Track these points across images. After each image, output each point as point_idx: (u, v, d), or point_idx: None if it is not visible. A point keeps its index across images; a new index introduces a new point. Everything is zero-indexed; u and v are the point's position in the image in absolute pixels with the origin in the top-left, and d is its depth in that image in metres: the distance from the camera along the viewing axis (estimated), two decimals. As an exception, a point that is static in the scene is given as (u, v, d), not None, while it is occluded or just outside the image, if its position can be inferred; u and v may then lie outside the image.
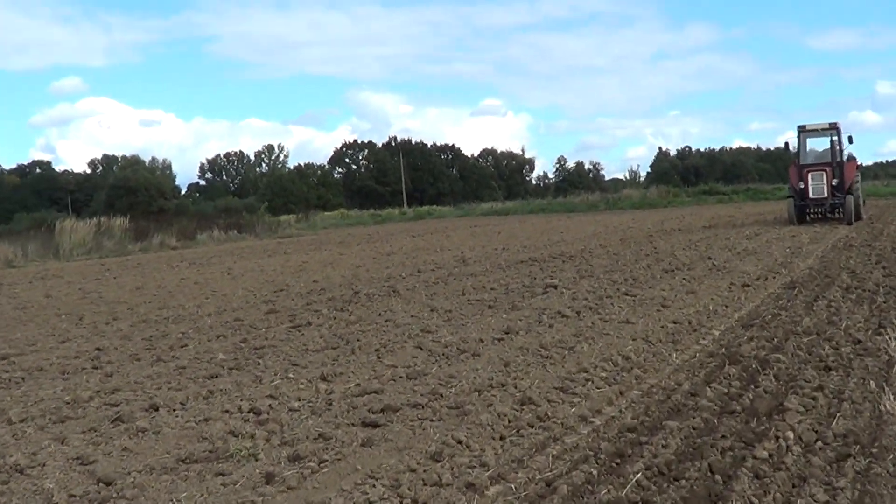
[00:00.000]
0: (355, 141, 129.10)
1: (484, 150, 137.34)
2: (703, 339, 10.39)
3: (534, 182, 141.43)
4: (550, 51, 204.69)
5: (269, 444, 6.61)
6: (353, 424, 7.08)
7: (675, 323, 11.32)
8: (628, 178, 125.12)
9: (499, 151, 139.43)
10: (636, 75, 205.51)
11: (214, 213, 67.47)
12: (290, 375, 9.18)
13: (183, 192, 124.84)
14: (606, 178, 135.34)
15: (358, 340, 11.24)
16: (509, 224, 49.19)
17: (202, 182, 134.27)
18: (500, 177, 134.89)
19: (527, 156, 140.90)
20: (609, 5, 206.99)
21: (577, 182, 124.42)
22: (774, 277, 15.76)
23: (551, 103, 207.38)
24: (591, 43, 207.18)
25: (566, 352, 9.71)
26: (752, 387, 7.50)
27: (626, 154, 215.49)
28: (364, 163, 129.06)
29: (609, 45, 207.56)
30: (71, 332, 14.46)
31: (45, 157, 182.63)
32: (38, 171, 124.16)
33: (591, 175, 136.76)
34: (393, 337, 11.40)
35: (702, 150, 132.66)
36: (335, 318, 13.62)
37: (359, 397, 7.99)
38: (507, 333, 11.13)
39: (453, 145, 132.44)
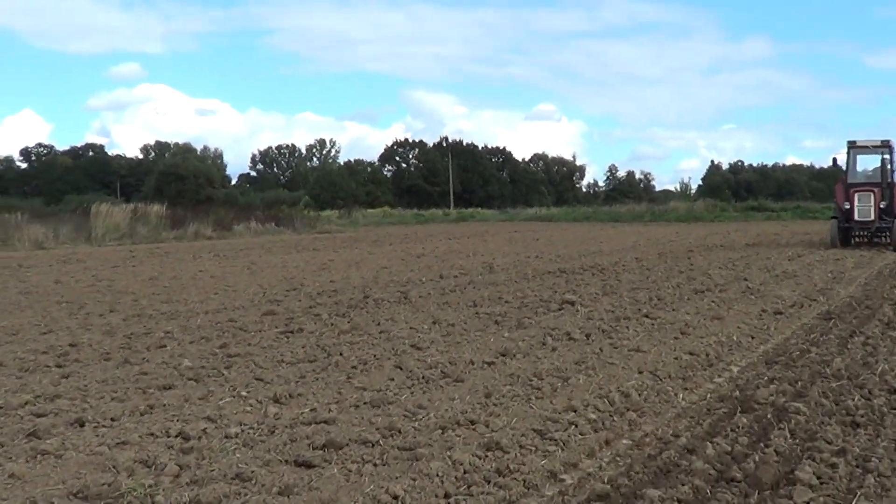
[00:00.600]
0: (406, 139, 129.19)
1: (535, 154, 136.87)
2: (719, 376, 9.23)
3: (584, 189, 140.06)
4: (606, 58, 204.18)
5: (174, 484, 5.58)
6: (284, 462, 6.05)
7: (690, 355, 10.15)
8: (679, 189, 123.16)
9: (550, 157, 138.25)
10: (691, 87, 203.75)
11: (254, 205, 66.63)
12: (244, 393, 8.17)
13: (233, 183, 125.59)
14: (657, 188, 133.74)
15: (340, 354, 10.24)
16: (551, 231, 48.06)
17: (253, 173, 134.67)
18: (550, 182, 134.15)
19: (578, 163, 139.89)
20: (667, 15, 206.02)
21: (628, 191, 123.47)
22: (811, 305, 14.53)
23: (605, 111, 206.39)
24: (648, 52, 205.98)
25: (560, 383, 8.61)
26: (762, 445, 6.35)
27: (678, 166, 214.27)
28: (414, 162, 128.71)
29: (665, 56, 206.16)
30: (60, 322, 13.69)
31: (100, 140, 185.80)
32: (91, 153, 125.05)
33: (641, 185, 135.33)
34: (378, 352, 10.38)
35: (754, 165, 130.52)
36: (331, 326, 12.66)
37: (306, 426, 6.95)
38: (502, 356, 10.06)
39: (504, 148, 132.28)
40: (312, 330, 12.37)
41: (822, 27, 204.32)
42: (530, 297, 15.76)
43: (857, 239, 28.21)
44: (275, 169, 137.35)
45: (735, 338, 11.47)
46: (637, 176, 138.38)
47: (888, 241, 27.18)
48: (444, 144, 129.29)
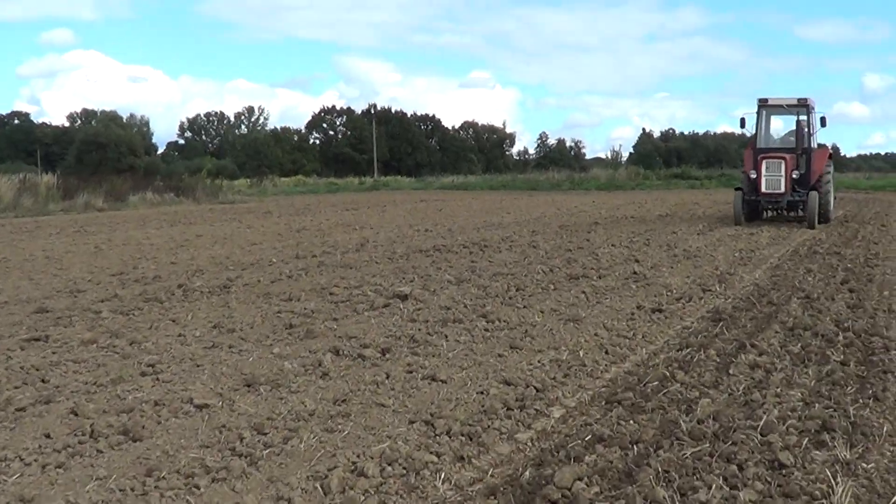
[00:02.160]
0: (333, 107, 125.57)
1: (465, 122, 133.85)
2: (524, 430, 6.15)
3: (515, 157, 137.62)
4: (541, 26, 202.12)
5: None
6: None
7: (506, 385, 7.23)
8: (610, 157, 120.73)
9: (480, 125, 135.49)
10: (626, 55, 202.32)
11: (154, 173, 62.75)
12: None
13: (160, 151, 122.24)
14: (589, 156, 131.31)
15: (41, 381, 6.92)
16: (460, 200, 44.87)
17: (181, 141, 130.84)
18: (480, 150, 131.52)
19: (508, 130, 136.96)
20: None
21: (558, 159, 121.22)
22: (701, 298, 11.54)
23: (540, 79, 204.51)
24: (583, 20, 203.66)
25: (267, 453, 5.47)
26: None
27: (611, 134, 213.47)
28: (342, 129, 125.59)
29: (600, 24, 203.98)
30: None
31: (29, 108, 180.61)
32: (16, 121, 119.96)
33: (572, 153, 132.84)
34: (86, 380, 7.20)
35: (686, 133, 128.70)
36: (91, 329, 9.48)
37: None
38: (239, 388, 6.85)
39: (433, 116, 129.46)
40: (58, 337, 9.17)
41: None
42: (365, 287, 12.60)
43: (767, 214, 25.14)
44: (203, 137, 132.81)
45: (582, 354, 8.31)
46: (568, 143, 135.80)
47: (801, 215, 23.92)
48: (373, 112, 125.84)
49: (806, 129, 23.65)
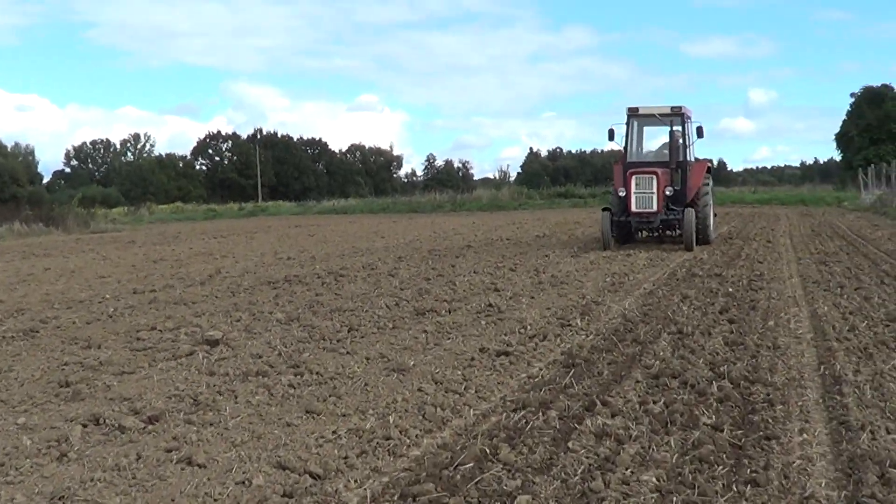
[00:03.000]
0: (219, 132, 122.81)
1: (352, 145, 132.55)
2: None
3: (404, 179, 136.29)
4: (429, 48, 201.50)
5: None
6: None
7: (276, 472, 5.60)
8: (498, 177, 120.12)
9: (367, 147, 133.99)
10: (513, 76, 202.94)
11: (23, 202, 59.33)
12: None
13: (46, 180, 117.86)
14: (477, 177, 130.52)
15: None
16: (337, 225, 42.91)
17: (67, 170, 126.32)
18: (368, 173, 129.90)
19: (396, 152, 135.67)
20: (488, 5, 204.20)
21: (446, 180, 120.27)
22: (557, 336, 9.81)
23: (428, 101, 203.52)
24: (470, 42, 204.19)
25: None
26: None
27: (500, 154, 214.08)
28: (228, 155, 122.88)
29: (487, 45, 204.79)
30: None
31: None
32: None
33: (460, 174, 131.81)
34: None
35: (573, 151, 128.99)
36: None
37: None
38: None
39: (320, 139, 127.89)
40: None
41: (642, 16, 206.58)
42: (183, 329, 11.20)
43: (640, 235, 22.93)
44: (90, 165, 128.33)
45: (392, 420, 6.57)
46: (456, 164, 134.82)
47: (678, 235, 21.39)
48: (259, 136, 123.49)
49: (681, 141, 21.52)
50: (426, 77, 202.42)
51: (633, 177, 20.69)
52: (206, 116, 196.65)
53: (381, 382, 7.78)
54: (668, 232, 21.98)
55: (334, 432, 6.27)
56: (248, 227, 45.57)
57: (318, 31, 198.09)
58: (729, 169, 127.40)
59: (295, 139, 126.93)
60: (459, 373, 8.14)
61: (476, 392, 7.43)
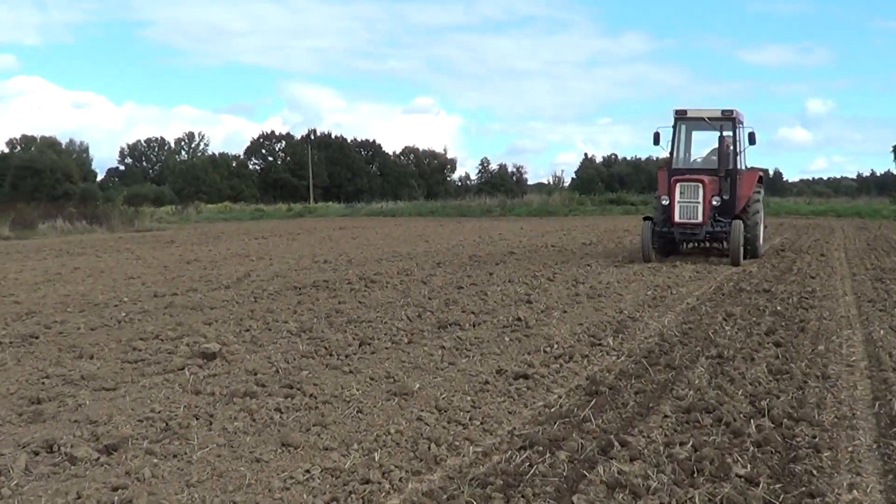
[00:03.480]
0: (272, 132, 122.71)
1: (406, 147, 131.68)
2: None
3: (457, 183, 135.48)
4: (484, 52, 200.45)
5: None
6: None
7: None
8: (552, 182, 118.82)
9: (421, 150, 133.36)
10: (569, 81, 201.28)
11: (61, 201, 59.43)
12: None
13: (100, 177, 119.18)
14: (531, 181, 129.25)
15: None
16: (382, 228, 42.09)
17: (122, 167, 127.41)
18: (421, 175, 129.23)
19: (450, 155, 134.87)
20: (543, 9, 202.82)
21: (500, 184, 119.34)
22: (585, 357, 8.92)
23: (483, 105, 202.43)
24: (525, 46, 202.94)
25: None
26: None
27: (555, 159, 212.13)
28: (281, 155, 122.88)
29: (542, 50, 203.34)
30: None
31: None
32: None
33: (514, 178, 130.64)
34: None
35: (628, 158, 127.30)
36: None
37: None
38: None
39: (374, 141, 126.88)
40: None
41: (697, 22, 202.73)
42: (185, 339, 10.48)
43: (685, 247, 21.49)
44: (143, 163, 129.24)
45: (378, 457, 5.67)
46: (510, 169, 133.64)
47: (725, 248, 19.80)
48: (313, 137, 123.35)
49: (731, 147, 19.84)
50: (481, 81, 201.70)
51: (678, 184, 18.97)
52: (261, 117, 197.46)
53: (377, 409, 6.96)
54: (714, 244, 20.59)
55: (307, 472, 5.46)
56: (292, 228, 45.00)
57: (372, 32, 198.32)
58: (785, 179, 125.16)
59: (349, 140, 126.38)
60: (469, 399, 7.28)
61: (482, 423, 6.57)
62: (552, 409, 6.91)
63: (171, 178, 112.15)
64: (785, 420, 6.29)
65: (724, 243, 19.62)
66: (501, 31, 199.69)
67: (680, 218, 19.01)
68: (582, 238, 29.71)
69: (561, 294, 13.95)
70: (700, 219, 18.85)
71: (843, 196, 72.28)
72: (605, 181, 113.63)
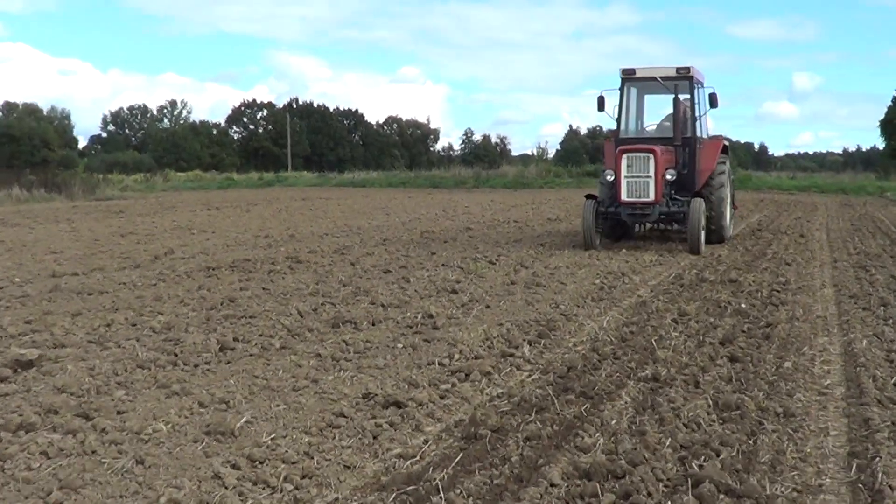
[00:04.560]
0: (254, 101, 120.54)
1: (389, 117, 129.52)
2: None
3: (441, 153, 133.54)
4: (471, 22, 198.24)
5: None
6: None
7: None
8: (536, 154, 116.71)
9: (404, 120, 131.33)
10: (556, 52, 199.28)
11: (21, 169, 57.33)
12: None
13: (82, 145, 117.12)
14: (516, 153, 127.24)
15: None
16: (346, 199, 40.15)
17: (104, 134, 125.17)
18: (404, 145, 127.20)
19: (433, 126, 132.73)
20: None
21: (483, 155, 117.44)
22: (487, 376, 7.11)
23: (470, 75, 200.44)
24: (512, 17, 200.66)
25: None
26: None
27: (541, 130, 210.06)
28: (263, 123, 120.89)
29: (530, 21, 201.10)
30: None
31: None
32: None
33: (498, 149, 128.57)
34: None
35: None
36: None
37: None
38: None
39: (356, 111, 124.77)
40: None
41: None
42: (44, 333, 8.22)
43: (638, 229, 19.01)
44: (126, 130, 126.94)
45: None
46: (493, 140, 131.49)
47: (682, 230, 17.05)
48: (294, 106, 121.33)
49: (689, 112, 17.14)
50: (468, 51, 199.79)
51: (624, 156, 15.97)
52: (247, 85, 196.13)
53: (171, 457, 5.04)
54: (671, 227, 18.21)
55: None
56: (254, 198, 43.07)
57: (359, 2, 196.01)
58: (770, 153, 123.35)
59: (331, 109, 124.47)
60: (305, 442, 5.40)
61: (296, 489, 4.60)
62: (406, 465, 4.97)
63: (151, 145, 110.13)
64: (721, 495, 4.32)
65: (680, 225, 17.10)
66: (489, 2, 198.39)
67: (628, 196, 16.09)
68: (549, 213, 27.79)
69: (495, 282, 12.02)
70: (651, 196, 15.92)
71: (828, 171, 70.36)
72: (589, 153, 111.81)
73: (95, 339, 8.47)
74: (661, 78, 16.93)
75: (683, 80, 16.82)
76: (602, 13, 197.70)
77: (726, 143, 18.39)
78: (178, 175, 70.34)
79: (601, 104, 17.30)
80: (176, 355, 7.72)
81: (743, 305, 10.03)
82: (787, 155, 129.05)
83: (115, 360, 7.53)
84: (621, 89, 17.39)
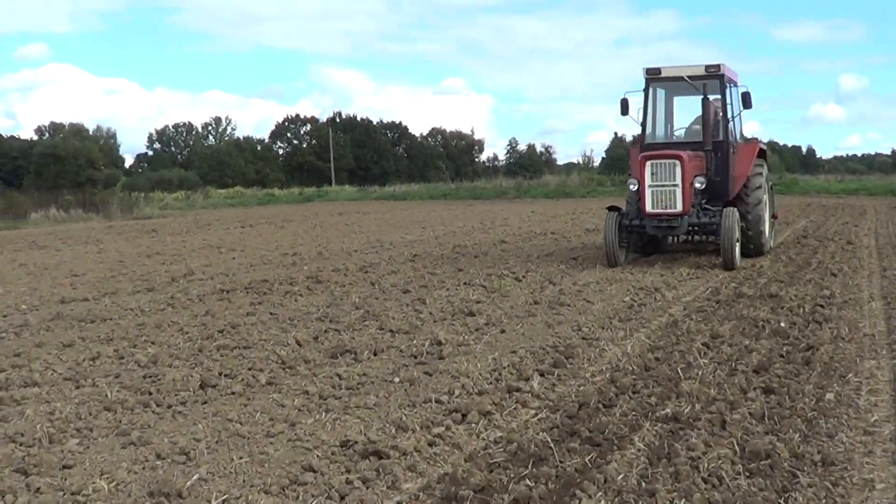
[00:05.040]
0: (297, 115, 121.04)
1: (433, 129, 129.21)
2: None
3: (486, 163, 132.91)
4: (514, 33, 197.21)
5: None
6: None
7: None
8: (582, 162, 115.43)
9: (448, 131, 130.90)
10: (600, 61, 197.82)
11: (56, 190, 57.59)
12: None
13: (129, 163, 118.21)
14: (561, 162, 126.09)
15: None
16: (383, 213, 39.61)
17: (150, 152, 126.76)
18: (449, 157, 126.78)
19: (477, 136, 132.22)
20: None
21: (528, 165, 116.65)
22: (486, 416, 6.37)
23: (514, 86, 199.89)
24: (555, 26, 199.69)
25: None
26: None
27: (587, 139, 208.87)
28: (307, 138, 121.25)
29: (572, 30, 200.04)
30: None
31: (5, 122, 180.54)
32: None
33: (543, 158, 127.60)
34: None
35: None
36: None
37: None
38: None
39: (400, 123, 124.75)
40: None
41: (728, 0, 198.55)
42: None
43: (672, 242, 17.69)
44: (172, 148, 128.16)
45: None
46: (539, 149, 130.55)
47: (715, 242, 15.80)
48: (338, 119, 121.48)
49: (720, 114, 15.77)
50: (511, 62, 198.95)
51: (648, 163, 14.51)
52: (291, 100, 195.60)
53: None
54: (708, 238, 16.53)
55: None
56: (293, 213, 42.67)
57: (401, 15, 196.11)
58: (818, 156, 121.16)
59: (375, 122, 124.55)
60: (260, 505, 4.52)
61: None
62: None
63: (197, 162, 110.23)
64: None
65: (712, 238, 15.72)
66: (531, 12, 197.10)
67: (653, 207, 14.65)
68: (589, 223, 26.89)
69: (517, 301, 11.23)
70: (679, 207, 14.46)
71: (877, 173, 68.43)
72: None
73: (72, 376, 7.82)
74: (688, 77, 15.52)
75: (713, 78, 15.45)
76: (645, 20, 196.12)
77: (763, 147, 16.82)
78: (219, 192, 70.23)
79: (624, 107, 15.79)
80: (150, 394, 7.03)
81: (782, 324, 9.11)
82: (836, 157, 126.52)
83: (80, 402, 6.85)
84: (646, 91, 15.92)
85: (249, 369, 7.85)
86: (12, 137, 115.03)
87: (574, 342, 8.63)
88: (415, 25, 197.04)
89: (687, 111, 17.93)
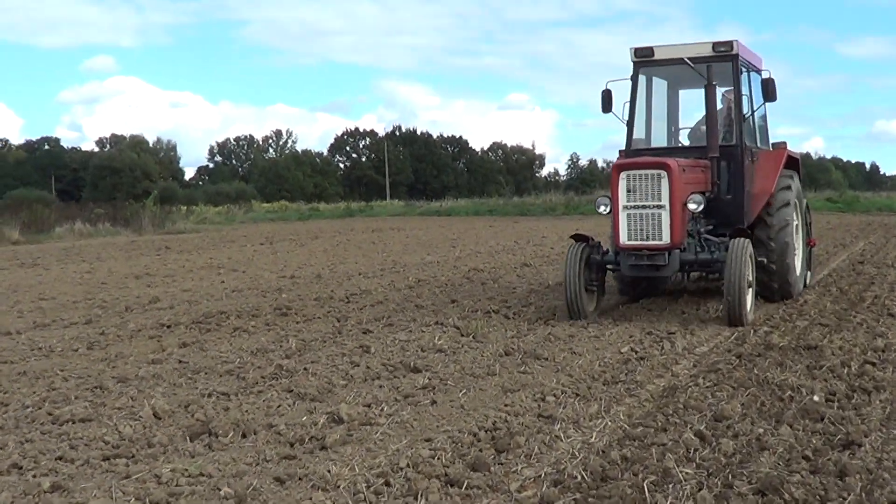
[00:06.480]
0: (356, 129, 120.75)
1: (494, 143, 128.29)
2: None
3: (546, 179, 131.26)
4: (580, 47, 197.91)
5: None
6: None
7: None
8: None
9: (509, 146, 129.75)
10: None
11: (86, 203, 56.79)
12: None
13: (190, 176, 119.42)
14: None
15: None
16: (420, 229, 37.68)
17: (211, 165, 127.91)
18: (510, 172, 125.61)
19: (538, 151, 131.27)
20: (640, 5, 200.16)
21: (590, 180, 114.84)
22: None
23: (579, 100, 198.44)
24: (621, 41, 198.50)
25: None
26: None
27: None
28: (366, 152, 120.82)
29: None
30: None
31: (70, 134, 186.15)
32: (45, 147, 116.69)
33: (604, 173, 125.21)
34: None
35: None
36: None
37: None
38: None
39: (460, 137, 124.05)
40: None
41: (794, 16, 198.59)
42: None
43: (675, 279, 12.84)
44: (233, 161, 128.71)
45: None
46: (600, 164, 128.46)
47: (718, 278, 11.19)
48: (398, 133, 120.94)
49: (731, 107, 11.82)
50: (577, 76, 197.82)
51: (623, 174, 10.40)
52: (356, 114, 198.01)
53: None
54: (696, 275, 12.70)
55: None
56: (327, 229, 40.86)
57: (467, 29, 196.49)
58: (882, 173, 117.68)
59: (435, 137, 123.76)
60: None
61: None
62: None
63: (255, 176, 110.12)
64: None
65: (715, 275, 11.52)
66: (597, 26, 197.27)
67: (629, 238, 10.44)
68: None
69: (484, 352, 8.86)
70: (665, 238, 10.25)
71: (944, 189, 64.43)
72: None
73: None
74: (690, 59, 11.32)
75: (724, 60, 11.35)
76: (712, 34, 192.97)
77: (794, 155, 12.82)
78: (263, 206, 68.84)
79: (607, 102, 11.93)
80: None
81: (815, 398, 6.52)
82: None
83: None
84: (633, 78, 12.01)
85: (58, 459, 5.68)
86: (73, 149, 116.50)
87: (523, 423, 6.21)
88: (481, 40, 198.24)
89: (699, 109, 12.99)
